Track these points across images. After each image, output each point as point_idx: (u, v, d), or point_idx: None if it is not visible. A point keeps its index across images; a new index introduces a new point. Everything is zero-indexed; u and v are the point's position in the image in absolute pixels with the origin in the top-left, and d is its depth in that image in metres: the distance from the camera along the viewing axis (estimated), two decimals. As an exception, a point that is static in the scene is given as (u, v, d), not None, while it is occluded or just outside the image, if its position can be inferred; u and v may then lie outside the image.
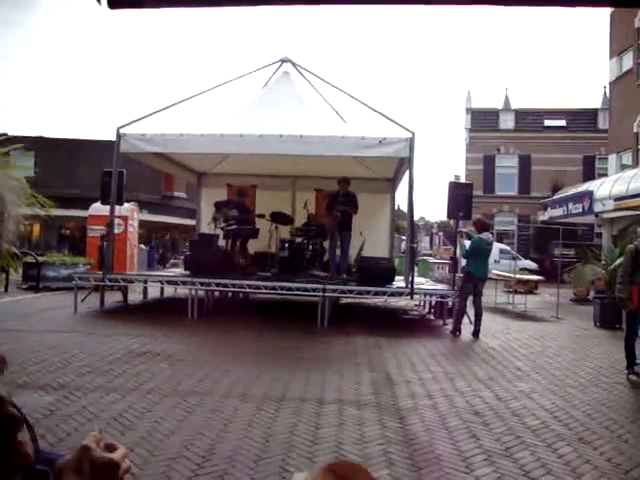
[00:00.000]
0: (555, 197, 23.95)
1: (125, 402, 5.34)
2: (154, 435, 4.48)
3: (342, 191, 11.65)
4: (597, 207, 17.91)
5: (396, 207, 17.86)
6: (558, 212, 21.44)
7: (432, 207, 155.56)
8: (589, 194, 18.48)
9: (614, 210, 16.79)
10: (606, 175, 21.75)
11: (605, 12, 22.44)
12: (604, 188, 17.95)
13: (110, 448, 1.01)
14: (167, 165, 14.25)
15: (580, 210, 18.97)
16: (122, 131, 11.06)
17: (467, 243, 10.50)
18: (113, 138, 11.19)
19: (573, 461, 4.25)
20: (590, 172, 31.95)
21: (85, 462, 0.98)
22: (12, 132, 30.77)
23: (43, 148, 29.52)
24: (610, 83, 23.17)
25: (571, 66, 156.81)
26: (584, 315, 13.50)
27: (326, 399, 5.69)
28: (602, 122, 33.12)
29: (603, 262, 13.76)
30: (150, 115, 11.51)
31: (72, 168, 29.44)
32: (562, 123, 35.28)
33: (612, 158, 22.11)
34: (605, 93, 32.06)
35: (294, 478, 1.35)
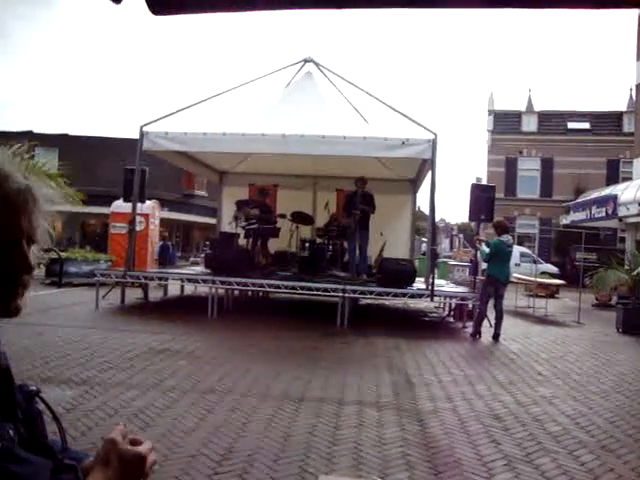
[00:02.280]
0: (578, 200, 23.69)
1: (145, 399, 5.37)
2: (174, 432, 4.50)
3: (360, 191, 11.61)
4: (621, 211, 17.67)
5: (417, 208, 17.77)
6: (581, 216, 21.18)
7: (452, 209, 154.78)
8: (613, 198, 18.25)
9: (638, 215, 16.56)
10: (631, 179, 21.41)
11: (633, 13, 22.12)
12: (629, 192, 17.72)
13: (135, 443, 1.03)
14: (189, 163, 14.33)
15: (603, 214, 18.72)
16: (145, 129, 11.14)
17: (485, 248, 10.41)
18: (136, 136, 11.28)
19: (595, 469, 4.19)
20: (614, 176, 31.56)
21: (112, 455, 1.00)
22: (37, 130, 31.28)
23: (67, 145, 29.81)
24: (636, 86, 22.84)
25: (596, 68, 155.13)
26: (606, 320, 13.33)
27: (346, 400, 5.67)
28: (627, 125, 32.73)
29: (626, 267, 13.58)
30: (173, 114, 11.58)
31: (95, 165, 29.69)
32: (586, 126, 34.89)
33: (637, 162, 21.73)
34: (631, 96, 31.64)
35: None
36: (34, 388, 1.08)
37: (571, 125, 35.10)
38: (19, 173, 0.98)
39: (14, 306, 0.97)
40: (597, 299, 17.75)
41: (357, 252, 11.84)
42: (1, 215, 0.93)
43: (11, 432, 0.92)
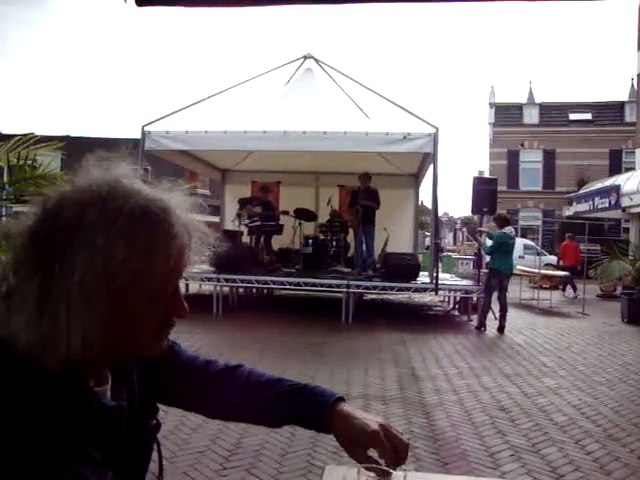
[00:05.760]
0: (581, 192, 23.65)
1: (153, 397, 5.38)
2: (182, 429, 4.52)
3: (363, 187, 11.61)
4: (624, 202, 17.63)
5: (419, 203, 17.76)
6: (584, 207, 21.15)
7: (455, 203, 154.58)
8: (616, 188, 18.21)
9: (642, 204, 16.54)
10: (633, 169, 21.37)
11: (634, 2, 22.05)
12: (631, 182, 17.67)
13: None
14: (191, 162, 14.33)
15: (607, 205, 18.70)
16: (147, 129, 11.14)
17: (488, 241, 10.43)
18: (138, 136, 11.28)
19: (602, 458, 4.21)
20: (617, 166, 31.47)
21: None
22: (39, 132, 31.24)
23: (70, 147, 29.85)
24: (638, 75, 22.78)
25: (597, 58, 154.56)
26: (611, 311, 13.32)
27: (352, 394, 5.69)
28: (629, 115, 32.58)
29: (631, 257, 13.56)
30: (174, 113, 11.57)
31: (98, 166, 29.71)
32: (588, 116, 34.77)
33: (640, 152, 21.74)
34: (632, 85, 31.58)
35: (327, 470, 1.37)
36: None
37: (573, 116, 34.99)
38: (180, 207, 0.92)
39: (164, 345, 0.98)
40: (602, 290, 17.73)
41: (363, 247, 11.85)
42: (169, 268, 0.89)
43: None
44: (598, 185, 21.43)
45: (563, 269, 18.23)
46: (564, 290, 17.80)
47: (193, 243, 0.95)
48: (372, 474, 1.13)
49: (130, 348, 0.92)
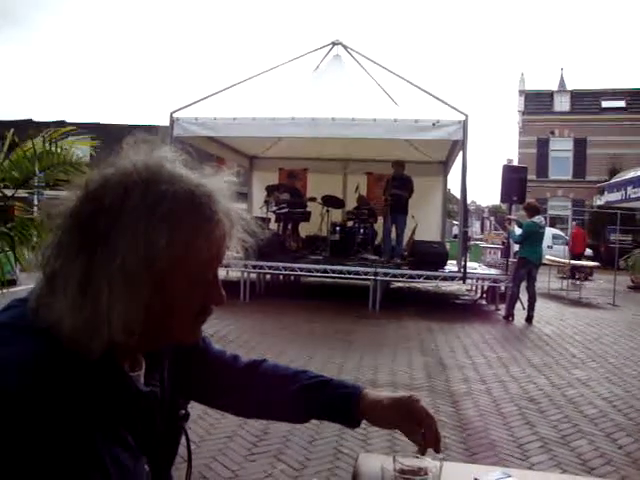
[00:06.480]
0: (612, 181, 23.19)
1: (181, 381, 5.43)
2: (210, 414, 4.55)
3: (396, 174, 11.55)
4: (658, 191, 17.26)
5: (448, 191, 17.60)
6: (615, 196, 20.63)
7: (483, 191, 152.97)
8: (649, 178, 17.82)
9: (676, 195, 16.17)
10: (668, 158, 20.97)
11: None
12: (666, 171, 17.28)
13: None
14: (219, 149, 14.34)
15: (640, 194, 18.31)
16: (175, 115, 11.19)
17: (517, 229, 10.32)
18: (167, 123, 11.33)
19: (634, 452, 4.14)
20: (651, 155, 30.85)
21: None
22: (69, 120, 31.67)
23: (100, 135, 30.05)
24: (673, 62, 22.26)
25: (632, 43, 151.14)
26: (643, 303, 13.13)
27: (379, 382, 5.69)
28: (664, 103, 31.94)
29: (663, 248, 13.31)
30: (203, 99, 11.61)
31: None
32: (621, 104, 34.09)
33: (674, 140, 21.28)
34: (668, 72, 30.82)
35: (360, 458, 1.36)
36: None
37: (605, 104, 34.34)
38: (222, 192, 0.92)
39: (200, 333, 0.99)
40: (633, 281, 17.45)
41: (392, 235, 11.79)
42: (210, 255, 0.88)
43: (146, 467, 0.91)
44: (631, 174, 20.93)
45: (574, 257, 17.99)
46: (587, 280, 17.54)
47: (234, 230, 0.93)
48: (407, 462, 1.13)
49: (168, 334, 0.92)
